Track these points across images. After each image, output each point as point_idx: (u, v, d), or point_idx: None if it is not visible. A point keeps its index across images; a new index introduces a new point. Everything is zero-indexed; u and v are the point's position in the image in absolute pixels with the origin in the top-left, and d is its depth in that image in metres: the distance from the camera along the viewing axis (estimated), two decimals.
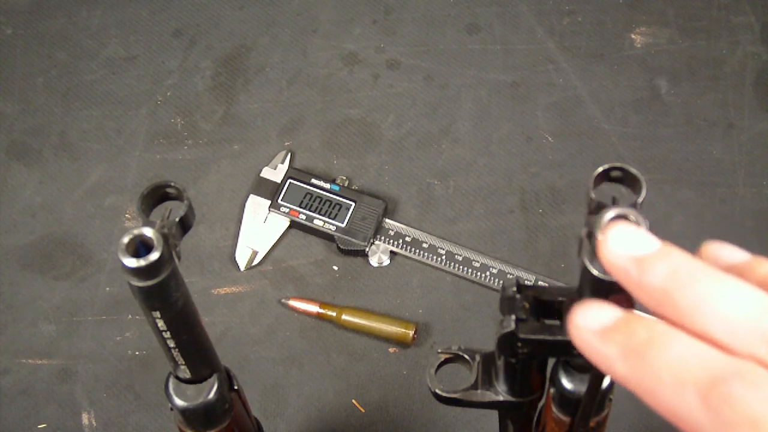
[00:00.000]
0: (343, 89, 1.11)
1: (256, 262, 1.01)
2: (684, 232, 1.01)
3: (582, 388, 0.55)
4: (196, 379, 0.58)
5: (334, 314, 0.98)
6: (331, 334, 0.99)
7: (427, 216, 1.03)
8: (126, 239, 0.47)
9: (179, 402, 0.58)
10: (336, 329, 0.99)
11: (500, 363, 0.56)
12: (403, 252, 1.01)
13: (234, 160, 1.07)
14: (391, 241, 1.01)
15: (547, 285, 0.92)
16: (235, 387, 0.62)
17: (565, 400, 0.56)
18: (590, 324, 0.39)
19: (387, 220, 1.02)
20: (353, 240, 1.00)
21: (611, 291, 0.44)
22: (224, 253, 1.02)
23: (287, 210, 1.02)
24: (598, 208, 0.44)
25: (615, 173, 0.46)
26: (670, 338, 0.36)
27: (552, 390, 0.57)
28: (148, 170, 1.07)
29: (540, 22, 1.13)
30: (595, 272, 0.44)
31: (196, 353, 0.56)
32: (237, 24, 1.15)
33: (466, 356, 0.59)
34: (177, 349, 0.54)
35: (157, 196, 0.49)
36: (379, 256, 1.00)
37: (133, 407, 0.96)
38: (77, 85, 1.12)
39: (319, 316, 0.98)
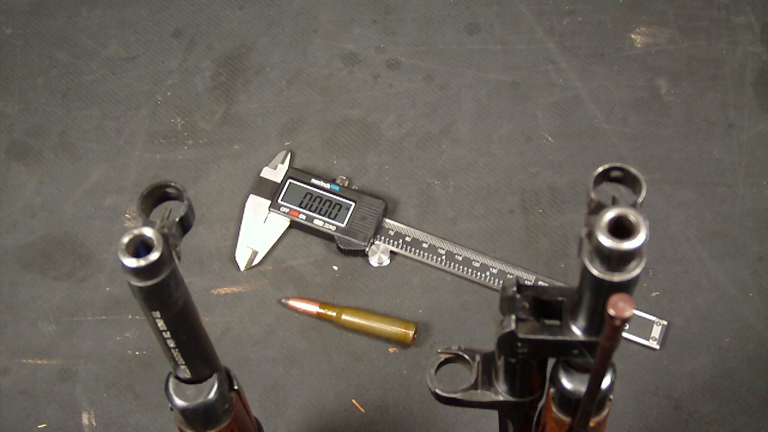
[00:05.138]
0: (343, 89, 1.11)
1: (256, 262, 1.01)
2: (684, 232, 1.01)
3: (582, 388, 0.55)
4: (196, 379, 0.58)
5: (334, 314, 0.98)
6: (331, 334, 0.99)
7: (427, 216, 1.03)
8: (126, 239, 0.47)
9: (179, 402, 0.58)
10: (336, 329, 0.99)
11: (500, 363, 0.56)
12: (403, 252, 1.01)
13: (234, 160, 1.07)
14: (391, 241, 1.01)
15: (547, 285, 0.92)
16: (235, 387, 0.62)
17: (565, 400, 0.56)
18: None
19: (387, 220, 1.02)
20: (353, 240, 1.00)
21: (611, 291, 0.44)
22: (224, 253, 1.02)
23: (287, 210, 1.02)
24: (598, 208, 0.44)
25: (615, 173, 0.46)
26: None
27: (552, 390, 0.57)
28: (148, 170, 1.07)
29: (540, 22, 1.13)
30: (595, 272, 0.44)
31: (196, 353, 0.56)
32: (237, 24, 1.15)
33: (466, 356, 0.59)
34: (177, 349, 0.54)
35: (157, 196, 0.50)
36: (379, 256, 1.00)
37: (133, 407, 0.96)
38: (77, 85, 1.12)
39: (319, 316, 0.98)
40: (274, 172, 1.04)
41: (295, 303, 0.99)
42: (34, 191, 1.06)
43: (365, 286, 1.00)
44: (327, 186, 1.03)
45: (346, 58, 1.12)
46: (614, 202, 0.44)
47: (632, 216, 0.42)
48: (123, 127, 1.09)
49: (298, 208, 1.02)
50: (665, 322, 0.97)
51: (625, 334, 0.96)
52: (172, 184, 0.49)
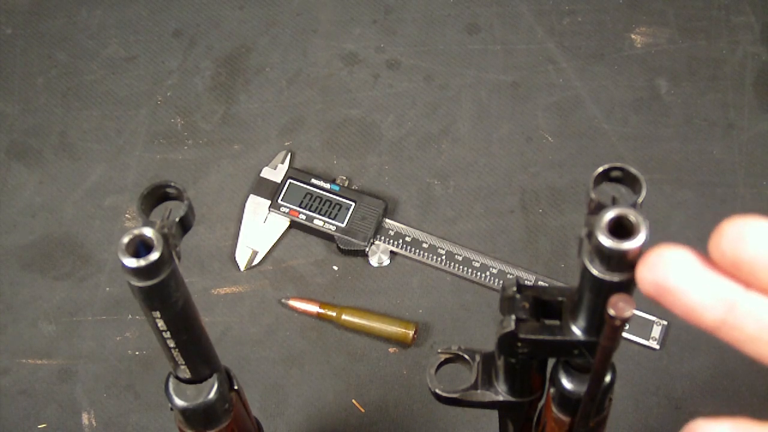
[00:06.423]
0: (343, 89, 1.11)
1: (256, 262, 1.01)
2: (684, 232, 1.01)
3: (582, 388, 0.55)
4: (196, 379, 0.58)
5: (334, 314, 0.98)
6: (331, 334, 0.99)
7: (427, 216, 1.03)
8: (126, 239, 0.47)
9: (179, 402, 0.58)
10: (336, 329, 0.99)
11: (500, 363, 0.56)
12: (403, 252, 1.01)
13: (234, 160, 1.07)
14: (391, 241, 1.01)
15: (547, 285, 0.92)
16: (235, 387, 0.62)
17: (565, 400, 0.56)
18: None
19: (387, 220, 1.02)
20: (353, 240, 1.00)
21: (611, 291, 0.44)
22: (224, 253, 1.02)
23: (287, 210, 1.02)
24: (598, 208, 0.44)
25: (615, 173, 0.46)
26: None
27: (552, 390, 0.57)
28: (148, 170, 1.07)
29: (540, 22, 1.13)
30: (595, 272, 0.44)
31: (196, 353, 0.56)
32: (237, 24, 1.15)
33: (466, 356, 0.59)
34: (177, 349, 0.54)
35: (157, 196, 0.49)
36: (379, 256, 1.00)
37: (133, 407, 0.96)
38: (77, 85, 1.12)
39: (319, 316, 0.98)
40: (274, 172, 1.04)
41: (295, 303, 0.99)
42: (34, 191, 1.06)
43: (365, 286, 1.00)
44: (327, 186, 1.03)
45: (346, 58, 1.12)
46: (614, 202, 0.44)
47: (632, 216, 0.42)
48: (123, 127, 1.09)
49: (298, 208, 1.02)
50: (665, 322, 0.97)
51: (625, 334, 0.96)
52: (172, 184, 0.49)
